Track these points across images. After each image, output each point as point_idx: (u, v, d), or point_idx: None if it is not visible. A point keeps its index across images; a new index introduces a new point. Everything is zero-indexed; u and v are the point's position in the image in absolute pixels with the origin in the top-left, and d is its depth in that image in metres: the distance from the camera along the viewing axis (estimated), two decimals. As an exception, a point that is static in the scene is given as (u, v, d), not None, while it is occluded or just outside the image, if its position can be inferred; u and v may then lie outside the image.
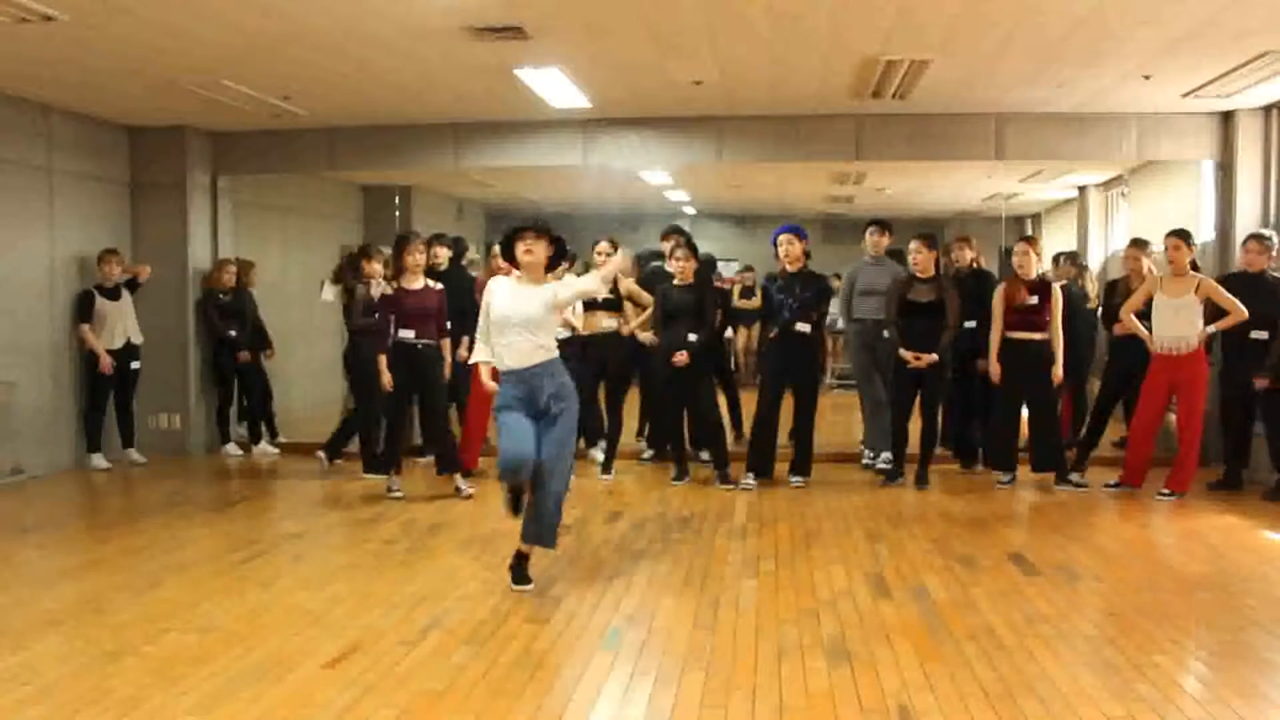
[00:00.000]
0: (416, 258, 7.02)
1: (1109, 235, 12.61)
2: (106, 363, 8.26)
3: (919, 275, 7.32)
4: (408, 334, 6.95)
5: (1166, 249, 7.09)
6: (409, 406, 7.39)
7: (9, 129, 7.82)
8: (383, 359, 7.00)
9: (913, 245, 7.36)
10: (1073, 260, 9.42)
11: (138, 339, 8.56)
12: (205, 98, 7.75)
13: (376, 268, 7.86)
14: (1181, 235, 7.07)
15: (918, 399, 7.36)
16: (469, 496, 7.05)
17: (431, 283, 7.16)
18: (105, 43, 6.36)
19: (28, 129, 8.01)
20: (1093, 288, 9.30)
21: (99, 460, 8.41)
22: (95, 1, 5.54)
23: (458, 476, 7.15)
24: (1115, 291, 7.81)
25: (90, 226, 8.64)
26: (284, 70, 7.16)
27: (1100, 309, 9.17)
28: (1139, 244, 7.97)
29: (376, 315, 7.33)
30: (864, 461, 8.18)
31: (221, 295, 9.10)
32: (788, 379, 7.42)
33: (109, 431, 8.55)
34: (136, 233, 9.07)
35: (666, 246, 8.00)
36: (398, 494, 7.06)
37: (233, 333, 9.06)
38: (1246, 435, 7.28)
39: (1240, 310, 6.94)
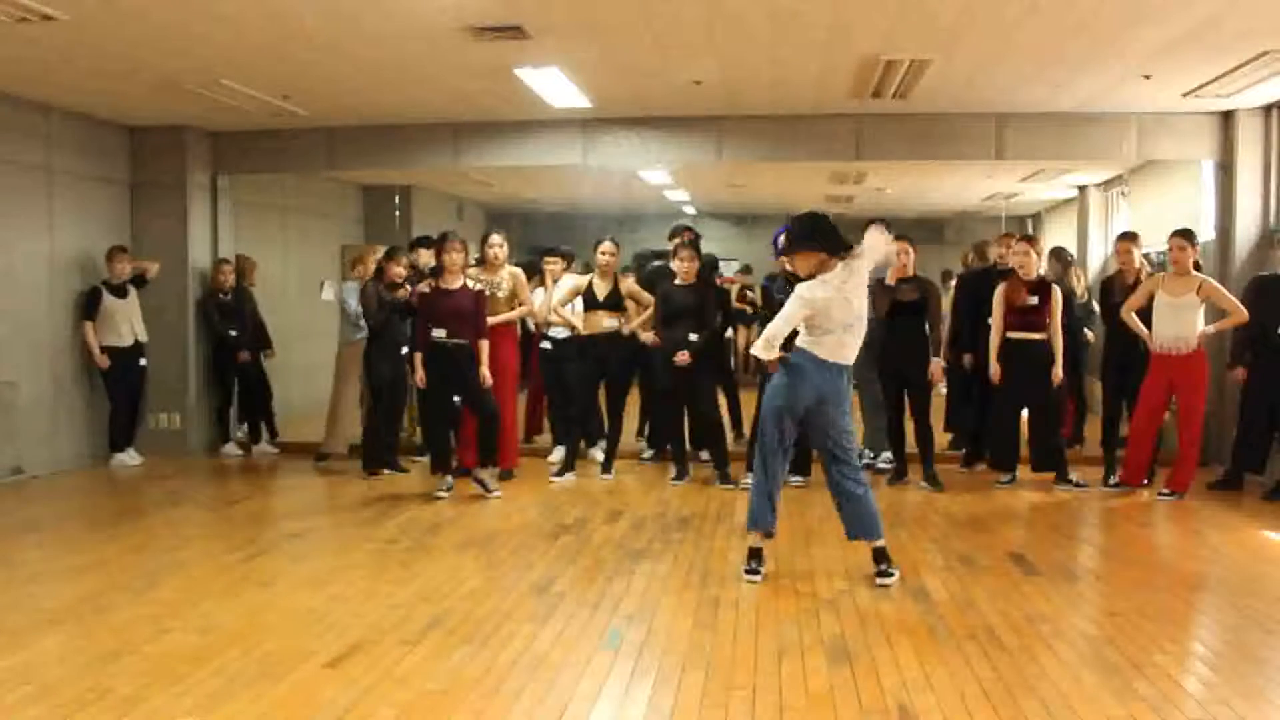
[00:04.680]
0: (454, 256, 6.98)
1: (1109, 235, 12.60)
2: (101, 359, 8.28)
3: (902, 275, 7.31)
4: (439, 333, 6.92)
5: (1170, 249, 7.08)
6: (450, 407, 7.24)
7: (9, 129, 7.83)
8: (417, 357, 7.01)
9: (898, 246, 7.32)
10: (1058, 256, 9.39)
11: (144, 337, 8.58)
12: (205, 98, 7.75)
13: (398, 269, 7.89)
14: (1185, 235, 7.06)
15: (907, 399, 7.36)
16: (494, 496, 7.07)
17: (470, 283, 7.14)
18: (105, 43, 6.37)
19: (28, 129, 8.01)
20: (1079, 284, 9.28)
21: (125, 458, 8.48)
22: (95, 1, 5.54)
23: (486, 476, 7.13)
24: (1112, 289, 7.76)
25: (90, 226, 8.64)
26: (284, 70, 7.16)
27: (1090, 304, 9.17)
28: (1129, 237, 7.93)
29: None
30: (864, 461, 8.16)
31: (221, 295, 9.10)
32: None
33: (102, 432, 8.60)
34: (136, 233, 9.07)
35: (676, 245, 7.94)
36: (444, 494, 7.04)
37: (233, 332, 9.06)
38: (1268, 442, 7.29)
39: (1241, 312, 6.94)
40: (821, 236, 5.00)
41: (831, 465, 5.08)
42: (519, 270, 7.86)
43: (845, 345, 4.97)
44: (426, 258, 8.15)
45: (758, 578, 5.05)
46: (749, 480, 7.27)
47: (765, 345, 4.95)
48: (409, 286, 7.75)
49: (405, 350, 7.86)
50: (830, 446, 5.05)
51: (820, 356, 4.93)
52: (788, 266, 6.69)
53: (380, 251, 8.85)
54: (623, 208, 16.41)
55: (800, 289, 4.95)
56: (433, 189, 14.34)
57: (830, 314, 4.88)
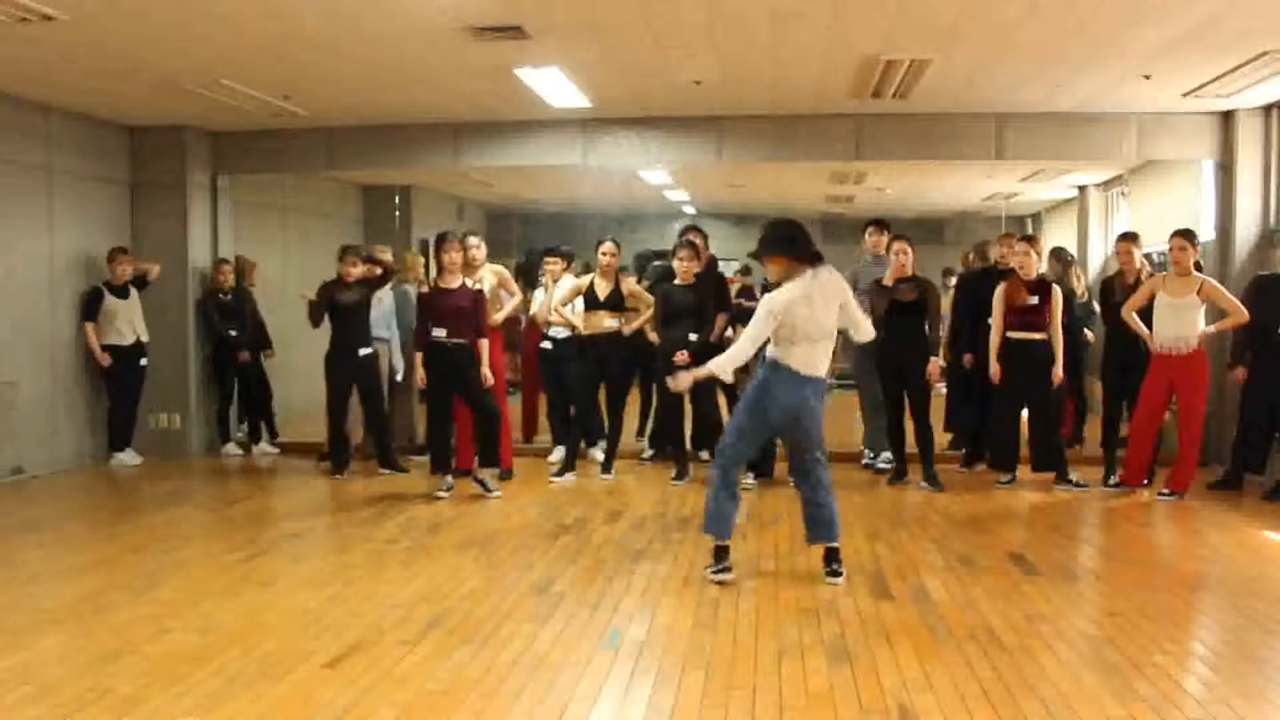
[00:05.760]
0: (453, 256, 6.99)
1: (1109, 235, 12.60)
2: (102, 356, 8.29)
3: (900, 275, 7.31)
4: (439, 333, 6.91)
5: (1171, 249, 7.07)
6: (450, 406, 7.19)
7: (9, 129, 7.82)
8: (418, 357, 7.01)
9: (897, 246, 7.33)
10: (1058, 256, 9.40)
11: (145, 337, 8.58)
12: (205, 98, 7.75)
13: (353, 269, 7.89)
14: (1186, 235, 7.05)
15: (906, 399, 7.37)
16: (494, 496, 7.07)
17: (469, 282, 7.13)
18: (105, 43, 6.37)
19: (28, 129, 8.01)
20: (1079, 284, 9.28)
21: (125, 458, 8.50)
22: (95, 1, 5.54)
23: (486, 476, 7.13)
24: (1112, 289, 7.76)
25: (90, 226, 8.64)
26: (284, 70, 7.16)
27: (1090, 304, 9.17)
28: (1129, 237, 7.91)
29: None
30: (864, 461, 8.18)
31: (221, 295, 9.10)
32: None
33: (102, 432, 8.61)
34: (136, 233, 9.06)
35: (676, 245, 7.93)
36: (444, 495, 7.04)
37: (233, 332, 9.06)
38: (1268, 442, 7.29)
39: (1241, 312, 6.94)
40: (791, 244, 4.95)
41: (801, 480, 5.12)
42: (499, 267, 7.93)
43: (814, 359, 4.91)
44: None
45: (729, 575, 5.05)
46: (749, 480, 7.34)
47: (728, 365, 4.91)
48: (307, 294, 7.90)
49: (364, 351, 7.88)
50: (804, 460, 5.07)
51: (792, 368, 4.89)
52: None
53: (388, 251, 8.90)
54: (623, 208, 16.41)
55: (764, 301, 4.91)
56: (433, 189, 14.35)
57: (795, 323, 4.83)
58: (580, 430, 8.17)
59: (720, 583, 4.99)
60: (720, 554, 5.11)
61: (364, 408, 8.03)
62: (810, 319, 4.85)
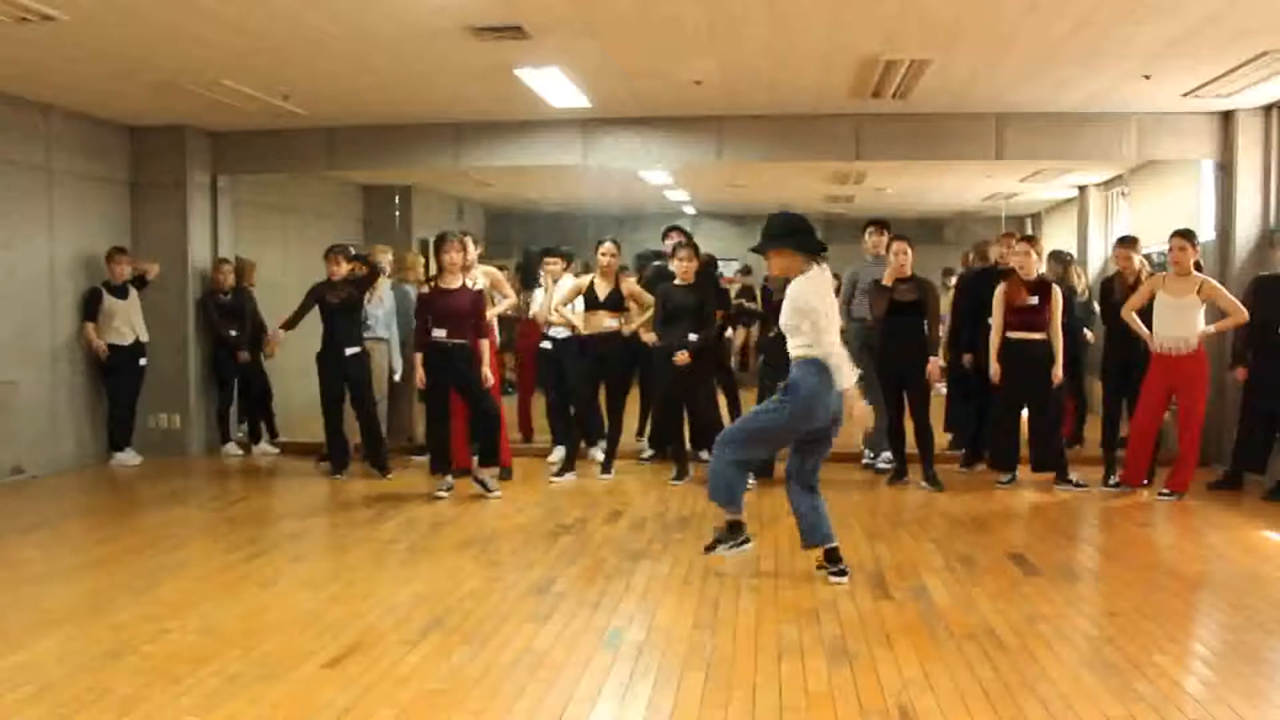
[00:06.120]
0: (454, 256, 6.99)
1: (1109, 235, 12.60)
2: (101, 346, 8.30)
3: (900, 275, 7.30)
4: (439, 333, 6.91)
5: (1171, 249, 7.07)
6: (448, 405, 7.18)
7: (9, 129, 7.82)
8: (418, 357, 7.01)
9: (896, 246, 7.33)
10: (1058, 258, 9.41)
11: (144, 337, 8.59)
12: (205, 98, 7.75)
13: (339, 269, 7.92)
14: (1186, 235, 7.06)
15: (906, 399, 7.36)
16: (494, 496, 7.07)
17: (469, 282, 7.14)
18: (105, 43, 6.37)
19: (28, 129, 8.00)
20: (1080, 282, 9.28)
21: (125, 458, 8.51)
22: (95, 1, 5.54)
23: (487, 476, 7.13)
24: (1112, 289, 7.77)
25: (90, 226, 8.64)
26: (284, 70, 7.16)
27: (1090, 304, 9.17)
28: (1127, 242, 7.91)
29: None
30: (864, 461, 8.18)
31: (221, 295, 9.11)
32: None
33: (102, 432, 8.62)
34: (137, 232, 9.07)
35: (668, 244, 8.00)
36: (444, 495, 7.04)
37: (233, 332, 9.07)
38: (1268, 442, 7.28)
39: (1241, 312, 6.94)
40: (795, 237, 4.90)
41: (805, 490, 5.06)
42: (491, 269, 7.95)
43: (843, 351, 4.91)
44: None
45: (750, 545, 5.16)
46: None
47: (850, 375, 4.80)
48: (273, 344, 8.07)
49: (351, 350, 7.87)
50: (815, 466, 5.07)
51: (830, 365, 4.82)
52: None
53: (388, 251, 8.90)
54: (623, 208, 16.42)
55: (797, 296, 4.81)
56: (433, 189, 14.35)
57: (824, 305, 4.82)
58: (580, 430, 8.17)
59: (731, 556, 5.08)
60: (735, 527, 5.11)
61: (353, 407, 8.02)
62: (833, 307, 4.89)
